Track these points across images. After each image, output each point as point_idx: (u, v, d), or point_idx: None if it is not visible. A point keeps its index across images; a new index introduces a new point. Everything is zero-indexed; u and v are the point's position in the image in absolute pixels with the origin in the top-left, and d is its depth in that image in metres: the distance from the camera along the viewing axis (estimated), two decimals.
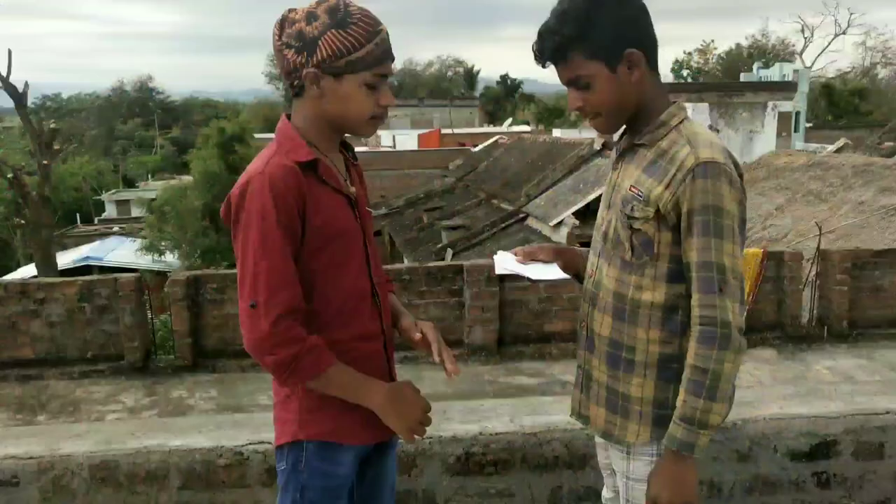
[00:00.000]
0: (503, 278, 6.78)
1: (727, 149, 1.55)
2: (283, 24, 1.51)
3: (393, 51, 1.53)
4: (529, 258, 1.77)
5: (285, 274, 1.46)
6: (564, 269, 1.78)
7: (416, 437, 1.58)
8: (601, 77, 1.52)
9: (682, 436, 1.49)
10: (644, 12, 1.55)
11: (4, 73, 15.11)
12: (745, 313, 1.53)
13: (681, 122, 1.57)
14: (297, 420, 1.57)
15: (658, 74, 1.61)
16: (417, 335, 1.68)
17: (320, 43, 1.45)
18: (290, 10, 1.52)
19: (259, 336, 1.45)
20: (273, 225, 1.43)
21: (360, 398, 1.56)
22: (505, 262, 1.76)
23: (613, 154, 1.72)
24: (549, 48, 1.54)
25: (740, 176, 1.53)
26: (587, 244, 1.82)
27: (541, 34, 1.55)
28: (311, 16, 1.47)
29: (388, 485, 1.78)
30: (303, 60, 1.47)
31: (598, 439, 1.84)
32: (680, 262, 1.54)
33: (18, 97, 15.49)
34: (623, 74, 1.53)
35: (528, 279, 1.74)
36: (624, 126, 1.66)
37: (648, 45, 1.55)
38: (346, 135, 1.65)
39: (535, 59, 1.58)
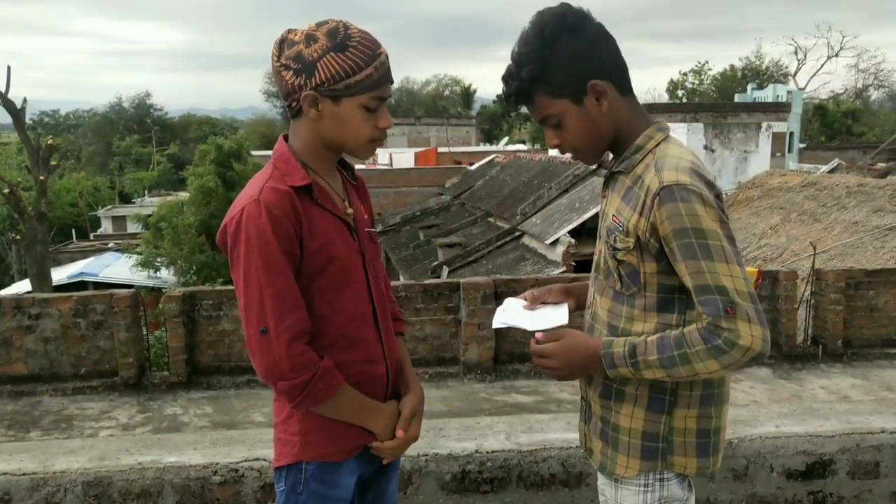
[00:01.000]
0: (500, 297, 6.78)
1: (698, 170, 1.45)
2: (281, 45, 1.49)
3: (392, 73, 1.53)
4: (538, 301, 1.71)
5: (292, 297, 1.46)
6: (577, 307, 1.75)
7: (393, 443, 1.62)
8: (570, 114, 1.50)
9: (617, 355, 1.47)
10: (602, 39, 1.51)
11: (3, 89, 15.16)
12: (769, 336, 1.42)
13: (657, 145, 1.52)
14: (298, 442, 1.56)
15: (633, 97, 1.56)
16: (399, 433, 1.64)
17: (319, 66, 1.44)
18: (289, 31, 1.51)
19: (273, 361, 1.44)
20: (275, 249, 1.43)
21: (363, 421, 1.57)
22: (507, 313, 1.70)
23: (602, 183, 1.69)
24: (513, 93, 1.53)
25: (717, 196, 1.44)
26: (581, 263, 1.80)
27: (504, 80, 1.53)
28: (310, 38, 1.46)
29: None
30: (301, 82, 1.46)
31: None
32: (668, 290, 1.50)
33: (16, 113, 15.53)
34: (592, 107, 1.50)
35: (526, 330, 1.65)
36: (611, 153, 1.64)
37: (614, 71, 1.51)
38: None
39: (505, 101, 1.58)
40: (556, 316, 1.67)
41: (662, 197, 1.41)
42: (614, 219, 1.53)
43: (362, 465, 1.63)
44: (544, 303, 1.72)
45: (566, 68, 1.48)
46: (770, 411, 2.79)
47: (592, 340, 1.54)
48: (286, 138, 1.58)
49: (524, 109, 1.61)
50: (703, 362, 1.40)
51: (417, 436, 1.68)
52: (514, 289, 6.43)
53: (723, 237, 1.40)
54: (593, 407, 1.66)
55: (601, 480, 1.70)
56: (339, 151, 1.59)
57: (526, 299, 1.72)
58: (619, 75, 1.53)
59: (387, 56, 1.51)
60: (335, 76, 1.45)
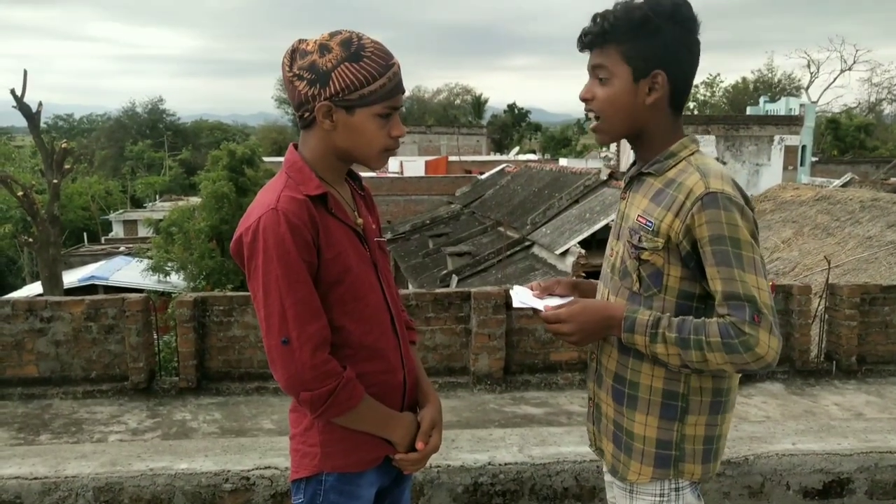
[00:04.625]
0: (511, 308, 6.76)
1: (738, 184, 1.51)
2: (293, 54, 1.48)
3: (403, 82, 1.53)
4: (546, 292, 1.73)
5: (314, 306, 1.44)
6: None
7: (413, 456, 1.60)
8: (621, 80, 1.51)
9: (639, 322, 1.48)
10: (692, 54, 1.53)
11: (19, 93, 15.31)
12: (781, 349, 1.45)
13: (691, 155, 1.54)
14: (318, 453, 1.54)
15: (678, 114, 1.58)
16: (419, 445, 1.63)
17: (333, 76, 1.43)
18: (300, 41, 1.50)
19: (296, 372, 1.43)
20: (295, 258, 1.41)
21: (383, 431, 1.56)
22: (521, 296, 1.73)
23: (622, 184, 1.71)
24: (594, 32, 1.53)
25: (752, 210, 1.50)
26: (592, 273, 1.80)
27: (594, 17, 1.54)
28: (324, 48, 1.45)
29: None
30: (315, 93, 1.45)
31: (606, 476, 1.82)
32: (688, 297, 1.52)
33: (31, 116, 15.68)
34: (641, 91, 1.51)
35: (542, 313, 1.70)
36: (633, 159, 1.66)
37: (679, 82, 1.53)
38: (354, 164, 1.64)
39: (578, 40, 1.57)
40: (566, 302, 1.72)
41: (706, 202, 1.45)
42: (640, 219, 1.54)
43: (382, 476, 1.62)
44: (551, 294, 1.74)
45: (651, 44, 1.49)
46: (786, 428, 2.76)
47: (611, 304, 1.57)
48: (296, 147, 1.57)
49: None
50: (714, 353, 1.43)
51: (438, 446, 1.67)
52: None
53: (755, 250, 1.45)
54: (603, 408, 1.67)
55: (615, 491, 1.70)
56: (350, 162, 1.58)
57: (533, 289, 1.74)
58: (680, 87, 1.55)
59: (399, 66, 1.51)
60: (350, 86, 1.44)
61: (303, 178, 1.50)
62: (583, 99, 1.59)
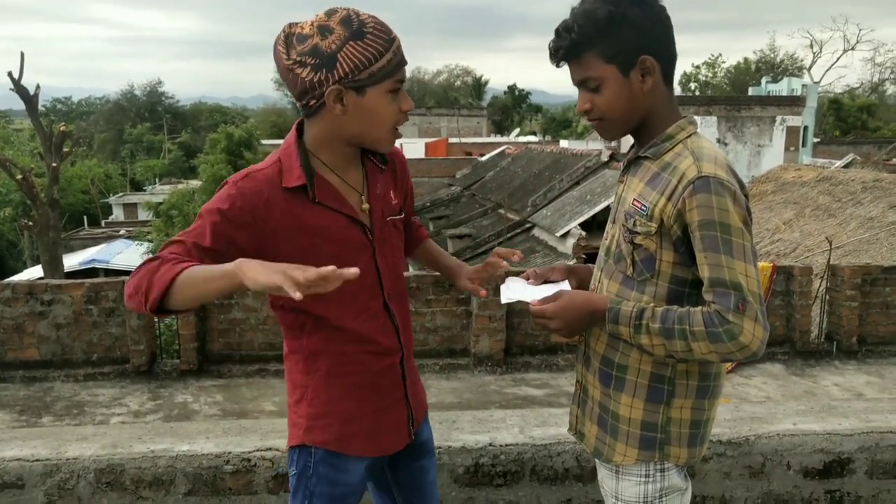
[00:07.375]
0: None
1: (733, 168, 1.48)
2: (288, 40, 1.39)
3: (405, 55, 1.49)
4: (541, 279, 1.71)
5: (189, 256, 1.37)
6: (579, 287, 1.73)
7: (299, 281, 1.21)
8: (612, 81, 1.49)
9: (623, 313, 1.47)
10: (665, 24, 1.51)
11: (17, 76, 15.21)
12: (767, 338, 1.43)
13: (688, 137, 1.52)
14: (304, 424, 1.56)
15: (671, 89, 1.56)
16: (473, 286, 1.78)
17: (340, 57, 1.36)
18: (292, 25, 1.41)
19: (138, 269, 1.37)
20: (207, 222, 1.40)
21: (224, 279, 1.27)
22: (512, 289, 1.70)
23: (621, 167, 1.68)
24: (564, 46, 1.50)
25: (745, 196, 1.46)
26: (592, 255, 1.78)
27: (558, 31, 1.51)
28: (324, 29, 1.37)
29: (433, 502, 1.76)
30: (322, 78, 1.37)
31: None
32: (680, 283, 1.50)
33: (29, 99, 15.58)
34: (635, 81, 1.49)
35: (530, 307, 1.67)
36: (633, 140, 1.63)
37: (665, 57, 1.51)
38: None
39: (550, 56, 1.54)
40: (564, 289, 1.68)
41: (697, 186, 1.42)
42: (635, 202, 1.53)
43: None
44: (547, 281, 1.71)
45: (626, 36, 1.47)
46: (787, 408, 2.76)
47: (596, 297, 1.56)
48: (300, 132, 1.51)
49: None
50: (698, 342, 1.41)
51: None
52: None
53: (746, 237, 1.43)
54: (590, 391, 1.67)
55: (601, 473, 1.70)
56: (360, 146, 1.52)
57: (528, 277, 1.73)
58: (668, 61, 1.52)
59: (399, 39, 1.46)
60: (358, 66, 1.38)
61: (289, 165, 1.46)
62: (582, 111, 1.57)
